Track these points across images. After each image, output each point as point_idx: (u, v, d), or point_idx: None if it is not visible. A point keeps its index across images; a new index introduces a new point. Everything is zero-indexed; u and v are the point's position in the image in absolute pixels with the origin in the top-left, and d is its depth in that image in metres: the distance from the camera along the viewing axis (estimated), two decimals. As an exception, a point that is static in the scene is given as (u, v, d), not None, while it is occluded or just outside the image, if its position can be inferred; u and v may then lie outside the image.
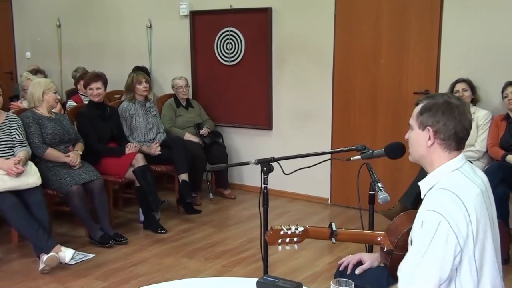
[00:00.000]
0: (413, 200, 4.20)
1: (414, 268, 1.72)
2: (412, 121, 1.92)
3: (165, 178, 5.77)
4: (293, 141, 5.44)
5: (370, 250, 2.56)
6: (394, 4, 4.81)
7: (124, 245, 4.21)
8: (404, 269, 1.77)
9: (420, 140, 1.88)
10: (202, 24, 5.91)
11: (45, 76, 6.10)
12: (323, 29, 5.16)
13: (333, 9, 5.08)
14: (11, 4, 7.63)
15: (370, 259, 2.26)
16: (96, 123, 4.67)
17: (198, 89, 6.06)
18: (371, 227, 2.59)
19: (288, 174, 2.55)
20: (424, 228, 1.74)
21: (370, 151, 2.46)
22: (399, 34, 4.81)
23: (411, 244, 1.82)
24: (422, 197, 1.87)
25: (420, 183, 1.91)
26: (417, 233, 1.78)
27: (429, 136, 1.85)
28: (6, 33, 7.75)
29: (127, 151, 4.65)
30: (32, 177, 3.85)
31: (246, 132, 5.82)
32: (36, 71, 6.15)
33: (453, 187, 1.76)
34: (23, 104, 5.11)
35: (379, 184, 2.45)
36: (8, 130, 3.96)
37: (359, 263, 2.26)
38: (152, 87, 5.80)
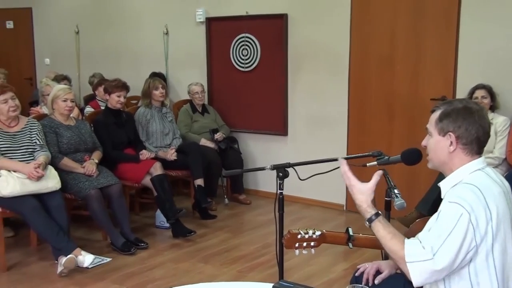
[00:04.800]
0: (430, 207, 4.16)
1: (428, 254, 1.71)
2: (431, 128, 1.92)
3: (180, 183, 5.81)
4: (309, 147, 5.44)
5: (386, 256, 2.55)
6: (410, 10, 4.80)
7: (141, 249, 4.24)
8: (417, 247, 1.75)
9: (440, 146, 1.88)
10: (218, 30, 5.95)
11: (69, 83, 6.17)
12: (338, 35, 5.17)
13: (348, 15, 5.09)
14: (31, 11, 7.77)
15: (388, 267, 2.25)
16: (112, 129, 4.72)
17: (214, 95, 6.09)
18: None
19: (304, 179, 2.55)
20: (444, 218, 1.73)
21: (386, 157, 2.45)
22: (415, 39, 4.80)
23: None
24: (442, 196, 1.87)
25: (441, 184, 1.91)
26: (434, 223, 1.77)
27: (451, 142, 1.85)
28: (27, 40, 7.89)
29: (142, 158, 4.69)
30: (52, 181, 3.89)
31: (262, 137, 5.84)
32: (64, 78, 6.23)
33: (476, 183, 1.77)
34: (43, 109, 5.18)
35: (396, 191, 2.44)
36: (28, 135, 4.02)
37: (377, 272, 2.26)
38: (168, 93, 5.84)
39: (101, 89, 5.61)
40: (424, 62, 4.79)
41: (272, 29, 5.56)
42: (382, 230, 1.83)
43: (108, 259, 4.02)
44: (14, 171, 3.77)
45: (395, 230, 1.83)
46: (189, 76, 6.07)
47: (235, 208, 5.45)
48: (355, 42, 5.11)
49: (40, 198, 3.83)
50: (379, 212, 1.88)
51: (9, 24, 8.10)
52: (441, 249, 1.70)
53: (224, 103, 6.01)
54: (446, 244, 1.70)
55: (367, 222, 1.87)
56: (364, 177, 2.01)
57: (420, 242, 1.75)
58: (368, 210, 1.89)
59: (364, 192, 1.93)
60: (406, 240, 1.78)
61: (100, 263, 3.95)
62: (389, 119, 5.02)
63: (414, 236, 2.13)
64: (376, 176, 1.94)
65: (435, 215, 1.80)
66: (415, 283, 1.73)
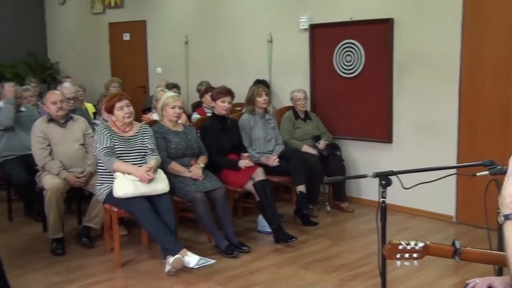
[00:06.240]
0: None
1: None
2: None
3: (282, 189, 5.86)
4: (415, 155, 5.25)
5: (499, 273, 2.38)
6: (530, 9, 4.47)
7: (243, 252, 4.33)
8: None
9: None
10: (322, 37, 5.94)
11: (178, 91, 6.50)
12: (448, 39, 4.93)
13: (460, 18, 4.84)
14: (145, 24, 8.30)
15: (502, 284, 2.10)
16: (218, 135, 4.87)
17: (316, 101, 6.09)
18: (500, 249, 2.41)
19: (408, 188, 2.47)
20: None
21: (499, 167, 2.30)
22: (535, 41, 4.45)
23: None
24: None
25: None
26: None
27: None
28: (141, 51, 8.45)
29: (242, 166, 4.68)
30: (161, 184, 4.10)
31: (365, 145, 5.73)
32: (174, 86, 6.60)
33: None
34: (153, 116, 5.51)
35: (510, 203, 2.28)
36: (141, 140, 4.27)
37: (489, 288, 2.12)
38: (271, 99, 5.94)
39: (207, 96, 5.85)
40: (545, 65, 4.42)
41: (377, 34, 5.44)
42: None
43: (213, 261, 4.15)
44: (128, 174, 4.03)
45: None
46: (292, 83, 6.12)
47: (337, 216, 5.40)
48: (467, 45, 4.84)
49: (150, 199, 4.04)
50: None
51: (126, 36, 8.72)
52: None
53: (327, 110, 5.98)
54: None
55: (503, 218, 1.72)
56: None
57: None
58: (510, 206, 1.74)
59: None
60: None
61: (205, 264, 4.09)
62: (504, 126, 4.69)
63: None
64: None
65: None
66: None
